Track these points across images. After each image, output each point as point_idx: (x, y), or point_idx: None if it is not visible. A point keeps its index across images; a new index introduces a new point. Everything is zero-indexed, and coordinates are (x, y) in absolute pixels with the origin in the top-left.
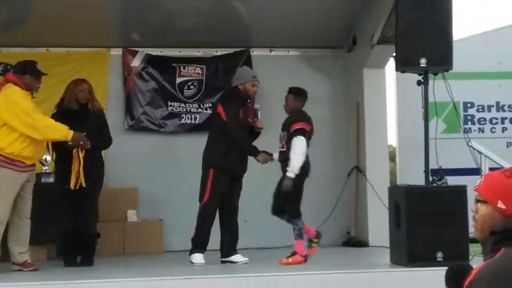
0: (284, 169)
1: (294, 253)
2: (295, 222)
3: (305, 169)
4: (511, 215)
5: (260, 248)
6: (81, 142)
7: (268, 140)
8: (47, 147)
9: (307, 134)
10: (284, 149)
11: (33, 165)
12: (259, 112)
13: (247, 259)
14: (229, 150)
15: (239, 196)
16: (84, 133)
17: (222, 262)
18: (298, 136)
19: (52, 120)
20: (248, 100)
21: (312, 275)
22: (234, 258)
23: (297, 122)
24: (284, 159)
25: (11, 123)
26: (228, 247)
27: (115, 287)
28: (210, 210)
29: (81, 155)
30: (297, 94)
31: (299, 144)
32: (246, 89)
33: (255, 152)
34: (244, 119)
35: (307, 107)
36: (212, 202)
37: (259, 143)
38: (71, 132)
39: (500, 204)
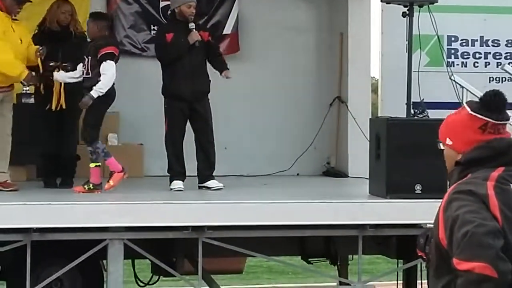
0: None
1: (111, 174)
2: (95, 145)
3: (110, 97)
4: (460, 149)
5: (240, 175)
6: (31, 83)
7: (251, 66)
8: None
9: (115, 59)
10: (90, 76)
11: (9, 86)
12: (194, 31)
13: (222, 185)
14: (172, 75)
15: (206, 122)
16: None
17: (199, 187)
18: (108, 61)
19: (12, 56)
20: (192, 24)
21: (291, 204)
22: (209, 183)
23: (104, 47)
24: (90, 85)
25: None
26: (203, 173)
27: (94, 209)
28: (172, 138)
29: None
30: (96, 18)
31: (110, 68)
32: (182, 11)
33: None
34: (179, 40)
35: (291, 35)
36: (172, 131)
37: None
38: (26, 72)
39: (448, 141)
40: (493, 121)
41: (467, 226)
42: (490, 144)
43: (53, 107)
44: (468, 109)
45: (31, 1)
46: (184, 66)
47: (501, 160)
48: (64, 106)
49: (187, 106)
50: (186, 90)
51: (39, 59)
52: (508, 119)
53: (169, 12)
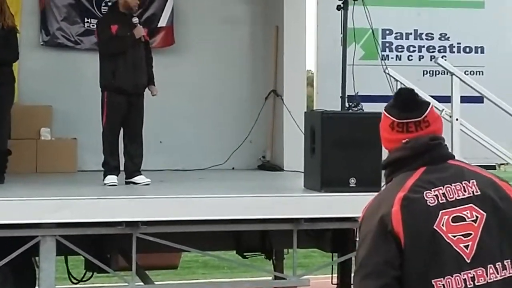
0: None
1: None
2: None
3: None
4: (384, 146)
5: (175, 170)
6: None
7: (186, 59)
8: None
9: None
10: None
11: None
12: (139, 26)
13: (149, 180)
14: (114, 69)
15: (141, 116)
16: None
17: (126, 182)
18: None
19: None
20: (134, 16)
21: (226, 198)
22: (137, 179)
23: None
24: None
25: None
26: (130, 169)
27: (26, 206)
28: (111, 133)
29: None
30: None
31: None
32: (128, 2)
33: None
34: (124, 32)
35: (226, 28)
36: (110, 125)
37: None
38: None
39: (380, 135)
40: (396, 120)
41: (358, 269)
42: (406, 145)
43: None
44: (384, 106)
45: None
46: (126, 60)
47: (421, 161)
48: None
49: (126, 100)
50: (128, 84)
51: None
52: (419, 116)
53: (110, 2)
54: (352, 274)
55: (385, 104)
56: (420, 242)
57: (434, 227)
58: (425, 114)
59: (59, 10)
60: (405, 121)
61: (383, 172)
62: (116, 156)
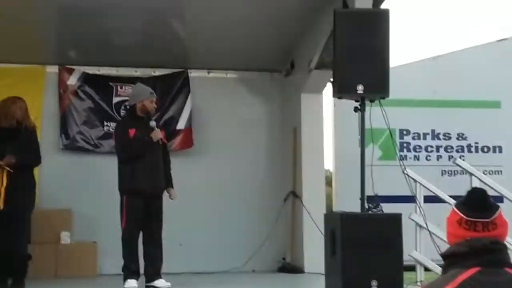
0: None
1: None
2: None
3: None
4: (448, 240)
5: (196, 272)
6: None
7: (205, 160)
8: None
9: None
10: None
11: None
12: (157, 129)
13: (169, 284)
14: (133, 172)
15: (160, 219)
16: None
17: (147, 287)
18: None
19: None
20: (152, 119)
21: None
22: (157, 283)
23: None
24: None
25: None
26: (150, 272)
27: None
28: (130, 237)
29: (4, 175)
30: None
31: None
32: (145, 106)
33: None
34: (142, 137)
35: (244, 130)
36: (129, 228)
37: (198, 165)
38: None
39: (446, 230)
40: (465, 217)
41: None
42: (467, 243)
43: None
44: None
45: None
46: (145, 163)
47: (476, 260)
48: (4, 205)
49: (145, 203)
50: (146, 187)
51: None
52: (488, 218)
53: (128, 106)
54: None
55: (405, 204)
56: None
57: None
58: (494, 216)
59: (79, 114)
60: (473, 220)
61: (443, 264)
62: (136, 260)
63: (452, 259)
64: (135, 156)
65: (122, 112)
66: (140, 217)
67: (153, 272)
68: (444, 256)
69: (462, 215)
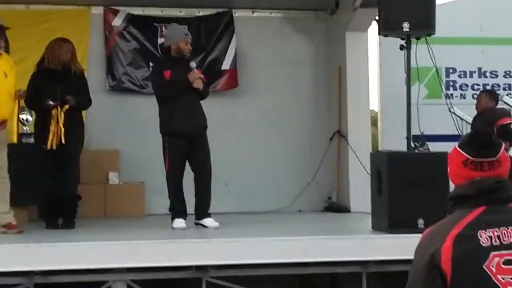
0: None
1: None
2: None
3: None
4: (452, 180)
5: (242, 212)
6: None
7: (250, 101)
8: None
9: None
10: None
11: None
12: (195, 70)
13: (217, 224)
14: (171, 112)
15: (207, 156)
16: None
17: (196, 224)
18: None
19: None
20: (193, 63)
21: (293, 241)
22: (205, 221)
23: None
24: None
25: None
26: (199, 210)
27: (97, 250)
28: (174, 177)
29: (60, 115)
30: None
31: None
32: (180, 47)
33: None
34: (177, 78)
35: (289, 69)
36: (173, 169)
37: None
38: None
39: (448, 170)
40: (471, 158)
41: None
42: (473, 184)
43: (48, 147)
44: (458, 143)
45: (9, 28)
46: (183, 103)
47: (483, 200)
48: (56, 145)
49: (187, 142)
50: (187, 127)
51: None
52: (494, 156)
53: (165, 47)
54: None
55: (452, 143)
56: (467, 280)
57: (483, 267)
58: (499, 155)
59: (125, 55)
60: (479, 159)
61: (449, 203)
62: (182, 199)
63: (458, 200)
64: (171, 98)
65: None
66: (183, 157)
67: (201, 210)
68: (451, 197)
69: (468, 155)
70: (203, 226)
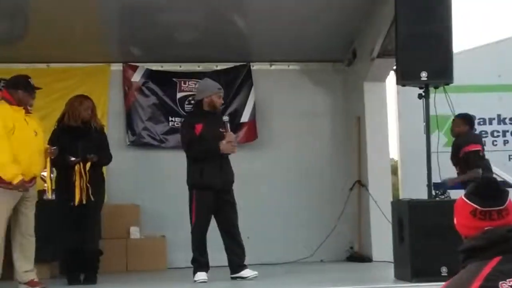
0: None
1: None
2: None
3: None
4: (461, 231)
5: (265, 264)
6: (20, 190)
7: (269, 153)
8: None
9: None
10: None
11: (30, 181)
12: (228, 125)
13: (256, 273)
14: (202, 168)
15: (235, 211)
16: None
17: (232, 278)
18: None
19: (7, 158)
20: (226, 117)
21: None
22: (243, 273)
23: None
24: None
25: None
26: (235, 263)
27: None
28: (200, 231)
29: (84, 171)
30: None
31: None
32: (213, 101)
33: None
34: (208, 132)
35: (308, 121)
36: (199, 223)
37: (263, 157)
38: (19, 177)
39: (455, 221)
40: (479, 208)
41: None
42: (484, 235)
43: (76, 203)
44: (464, 193)
45: (41, 88)
46: (214, 157)
47: (496, 250)
48: (90, 199)
49: (215, 197)
50: (217, 181)
51: (49, 158)
52: (502, 205)
53: (194, 101)
54: None
55: None
56: None
57: None
58: (507, 202)
59: (144, 110)
60: (488, 209)
61: (460, 257)
62: (205, 253)
63: (470, 253)
64: (198, 158)
65: (187, 107)
66: (210, 211)
67: (238, 263)
68: (463, 250)
69: (476, 205)
70: (242, 278)
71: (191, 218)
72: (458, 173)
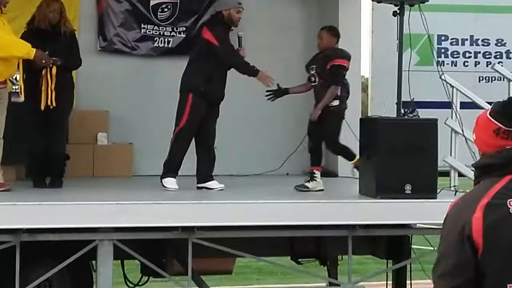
0: None
1: None
2: None
3: None
4: (480, 148)
5: (231, 175)
6: (44, 61)
7: None
8: (18, 66)
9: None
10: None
11: (3, 83)
12: (242, 40)
13: (223, 185)
14: (211, 76)
15: (216, 123)
16: (47, 52)
17: (198, 188)
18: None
19: (14, 37)
20: (241, 32)
21: (280, 204)
22: (210, 184)
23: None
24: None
25: None
26: (204, 173)
27: (85, 210)
28: (186, 135)
29: (51, 75)
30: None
31: None
32: (231, 15)
33: (256, 72)
34: (249, 65)
35: (281, 34)
36: (188, 127)
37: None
38: (34, 50)
39: (474, 136)
40: (504, 127)
41: (436, 264)
42: (500, 154)
43: (42, 107)
44: (488, 111)
45: None
46: (221, 71)
47: (509, 169)
48: (53, 105)
49: (209, 107)
50: (217, 94)
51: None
52: None
53: (215, 12)
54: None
55: (442, 110)
56: (499, 248)
57: None
58: None
59: (116, 16)
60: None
61: (474, 173)
62: (183, 157)
63: (485, 170)
64: (240, 66)
65: (160, 15)
66: (201, 118)
67: (207, 173)
68: (477, 167)
69: (501, 125)
70: (208, 188)
71: (179, 121)
72: (313, 84)
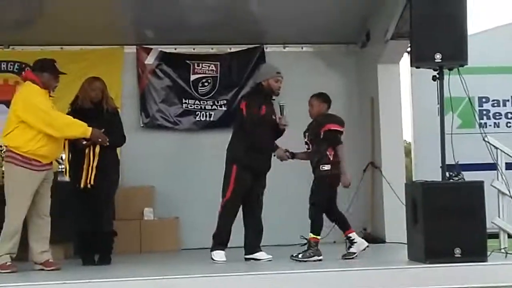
0: None
1: None
2: None
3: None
4: None
5: (277, 245)
6: (100, 139)
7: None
8: (63, 145)
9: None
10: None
11: (50, 164)
12: (284, 109)
13: (271, 256)
14: (251, 147)
15: (263, 194)
16: (103, 130)
17: (246, 259)
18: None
19: (70, 117)
20: (273, 97)
21: (328, 272)
22: (258, 255)
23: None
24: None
25: (29, 121)
26: (252, 244)
27: (135, 286)
28: (233, 206)
29: (93, 153)
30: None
31: None
32: (270, 85)
33: (273, 149)
34: (268, 116)
35: None
36: (234, 199)
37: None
38: (90, 128)
39: None
40: None
41: None
42: None
43: (82, 185)
44: None
45: (66, 73)
46: (265, 141)
47: None
48: (91, 184)
49: (253, 178)
50: (262, 164)
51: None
52: None
53: (255, 83)
54: None
55: (487, 172)
56: None
57: None
58: None
59: (158, 92)
60: None
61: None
62: (230, 229)
63: None
64: (258, 136)
65: (201, 90)
66: (246, 189)
67: (255, 244)
68: None
69: None
70: (256, 259)
71: (225, 192)
72: (308, 151)
